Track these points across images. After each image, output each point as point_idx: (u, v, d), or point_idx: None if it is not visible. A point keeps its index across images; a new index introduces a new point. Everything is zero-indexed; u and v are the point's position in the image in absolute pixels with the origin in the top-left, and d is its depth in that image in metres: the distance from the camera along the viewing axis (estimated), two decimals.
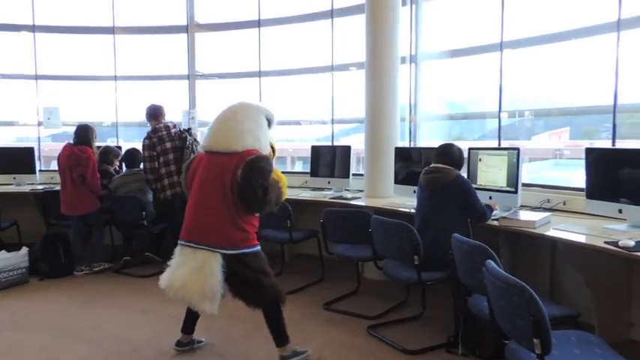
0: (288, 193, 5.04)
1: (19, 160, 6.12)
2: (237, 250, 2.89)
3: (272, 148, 3.13)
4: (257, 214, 3.03)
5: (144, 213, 5.00)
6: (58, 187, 5.27)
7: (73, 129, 5.31)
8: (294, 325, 3.75)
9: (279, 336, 3.03)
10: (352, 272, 4.56)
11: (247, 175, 2.77)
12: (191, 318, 3.30)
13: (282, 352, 3.04)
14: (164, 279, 2.96)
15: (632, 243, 2.64)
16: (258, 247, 3.02)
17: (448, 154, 3.46)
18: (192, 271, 2.85)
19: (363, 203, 4.60)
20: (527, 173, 5.05)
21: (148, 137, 5.08)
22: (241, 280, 2.93)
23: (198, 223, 2.94)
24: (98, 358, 3.30)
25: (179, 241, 3.03)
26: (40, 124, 6.59)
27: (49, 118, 6.42)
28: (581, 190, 3.54)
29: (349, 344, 3.41)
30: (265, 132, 3.02)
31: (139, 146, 5.38)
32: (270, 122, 3.09)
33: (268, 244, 5.09)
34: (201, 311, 2.96)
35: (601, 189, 3.28)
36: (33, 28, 6.58)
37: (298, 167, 7.94)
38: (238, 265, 2.90)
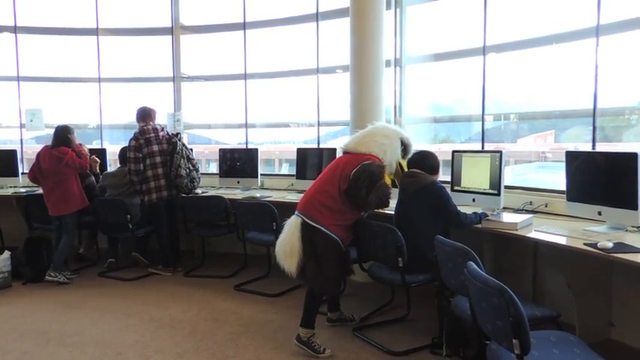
0: (274, 196, 5.09)
1: (1, 162, 6.04)
2: (314, 223, 3.22)
3: (400, 166, 3.47)
4: (356, 214, 3.37)
5: (128, 216, 4.96)
6: (40, 191, 5.20)
7: None
8: (280, 327, 3.77)
9: (306, 318, 3.36)
10: None
11: (358, 175, 3.14)
12: (332, 298, 3.77)
13: (301, 333, 3.34)
14: None
15: (610, 245, 2.68)
16: (336, 238, 3.26)
17: (422, 160, 3.52)
18: (285, 232, 3.32)
19: None
20: (512, 175, 5.09)
21: (135, 138, 4.98)
22: (311, 252, 3.24)
23: (304, 195, 3.43)
24: None
25: None
26: (22, 126, 6.52)
27: (31, 120, 6.33)
28: (562, 192, 3.58)
29: (335, 346, 3.41)
30: (395, 150, 3.34)
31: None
32: (405, 148, 3.42)
33: (254, 247, 5.11)
34: (283, 267, 3.30)
35: (581, 191, 3.33)
36: (15, 29, 6.51)
37: (285, 169, 7.93)
38: (312, 237, 3.23)
